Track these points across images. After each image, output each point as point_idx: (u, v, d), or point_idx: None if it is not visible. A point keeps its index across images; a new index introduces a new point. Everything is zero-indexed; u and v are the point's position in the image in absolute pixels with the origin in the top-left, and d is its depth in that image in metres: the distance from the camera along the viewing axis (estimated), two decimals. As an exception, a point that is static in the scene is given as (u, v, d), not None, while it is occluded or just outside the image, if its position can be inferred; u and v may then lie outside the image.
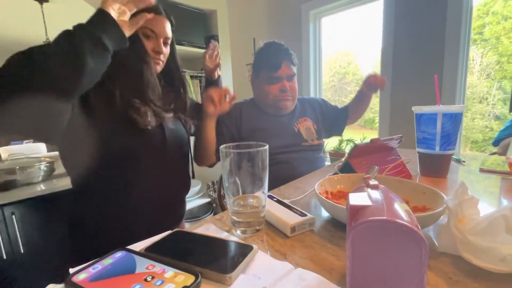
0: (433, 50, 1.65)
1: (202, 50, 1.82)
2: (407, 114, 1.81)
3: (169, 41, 0.76)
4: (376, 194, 0.30)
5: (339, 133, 1.26)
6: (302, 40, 2.31)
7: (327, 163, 1.90)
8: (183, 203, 0.86)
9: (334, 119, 1.19)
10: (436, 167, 0.72)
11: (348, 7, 2.13)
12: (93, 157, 0.63)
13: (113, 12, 0.55)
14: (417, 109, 0.73)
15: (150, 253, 0.37)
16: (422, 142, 0.73)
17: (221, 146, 0.45)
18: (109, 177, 0.67)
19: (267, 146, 0.45)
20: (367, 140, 0.69)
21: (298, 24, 2.31)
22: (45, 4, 1.98)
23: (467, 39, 1.59)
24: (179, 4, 1.64)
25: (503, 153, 1.19)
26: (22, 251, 1.25)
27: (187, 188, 0.86)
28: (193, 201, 1.92)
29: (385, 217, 0.23)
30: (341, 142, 2.23)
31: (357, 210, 0.27)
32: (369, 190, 0.32)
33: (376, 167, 0.60)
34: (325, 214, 0.53)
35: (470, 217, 0.36)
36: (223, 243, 0.40)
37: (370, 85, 1.02)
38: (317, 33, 2.34)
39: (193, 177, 0.89)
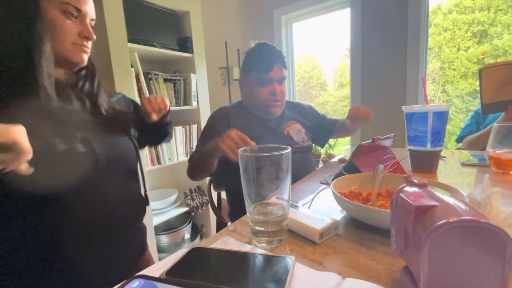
0: (397, 52, 1.77)
1: (175, 52, 1.73)
2: (377, 113, 1.92)
3: (94, 24, 0.61)
4: (431, 193, 0.29)
5: (322, 143, 1.23)
6: (275, 44, 2.33)
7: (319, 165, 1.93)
8: (139, 231, 0.70)
9: (321, 128, 1.17)
10: (428, 163, 0.76)
11: (318, 14, 2.21)
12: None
13: None
14: (407, 109, 0.77)
15: (174, 277, 0.32)
16: (414, 140, 0.76)
17: (240, 150, 0.42)
18: (29, 220, 0.50)
19: (290, 149, 0.42)
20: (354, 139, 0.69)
21: (271, 29, 2.33)
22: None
23: (425, 42, 1.74)
24: (151, 4, 1.54)
25: (467, 148, 1.31)
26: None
27: (141, 211, 0.70)
28: (169, 212, 1.80)
29: (472, 217, 0.22)
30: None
31: (424, 211, 0.25)
32: (417, 189, 0.30)
33: (382, 166, 0.60)
34: (337, 216, 0.52)
35: (498, 209, 0.37)
36: (256, 258, 0.36)
37: (353, 118, 0.98)
38: (289, 38, 2.39)
39: (147, 203, 0.73)
